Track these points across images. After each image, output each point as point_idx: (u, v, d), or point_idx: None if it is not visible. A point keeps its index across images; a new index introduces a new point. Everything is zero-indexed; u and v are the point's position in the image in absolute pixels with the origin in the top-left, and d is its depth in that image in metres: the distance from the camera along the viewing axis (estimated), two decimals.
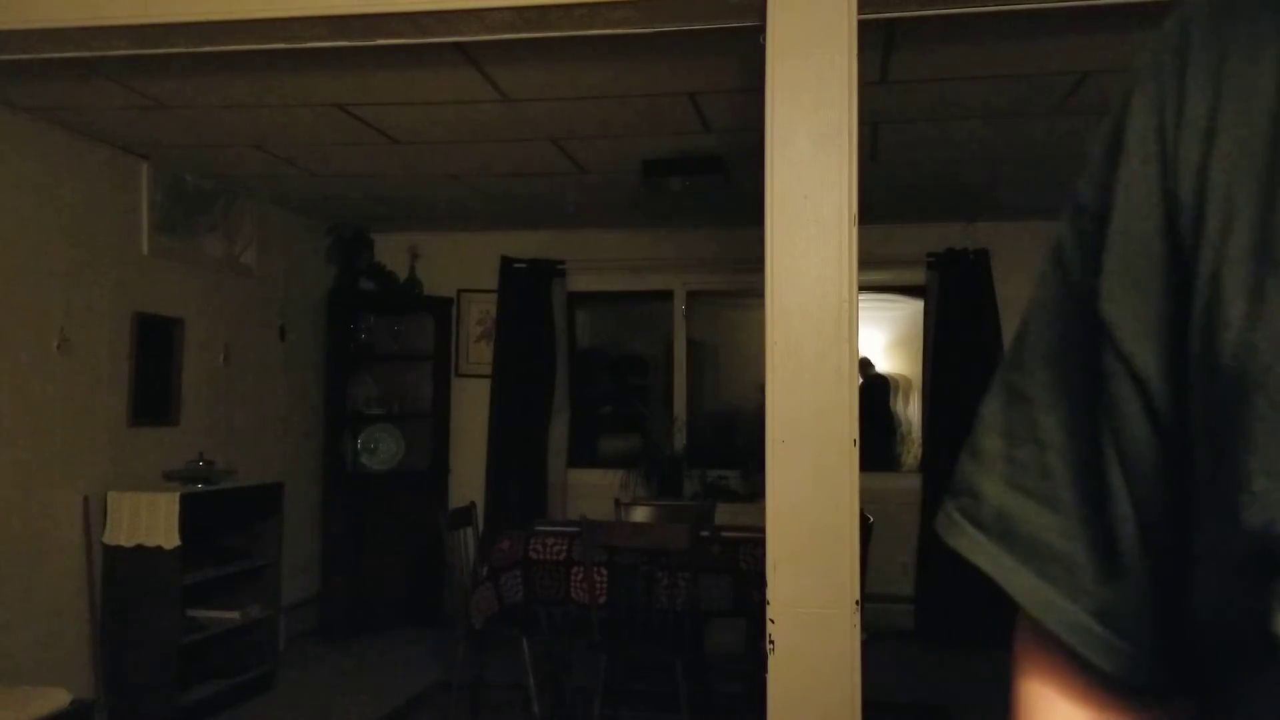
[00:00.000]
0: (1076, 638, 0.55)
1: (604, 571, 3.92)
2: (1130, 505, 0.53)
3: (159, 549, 4.39)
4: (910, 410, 7.68)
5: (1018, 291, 5.93)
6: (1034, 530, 0.56)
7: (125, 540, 4.42)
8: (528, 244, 6.59)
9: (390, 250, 6.57)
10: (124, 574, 4.44)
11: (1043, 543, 0.56)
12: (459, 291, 6.70)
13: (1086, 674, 0.57)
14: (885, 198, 5.41)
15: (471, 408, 6.63)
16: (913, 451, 7.13)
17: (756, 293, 2.48)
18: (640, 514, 4.89)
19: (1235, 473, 0.46)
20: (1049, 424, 0.57)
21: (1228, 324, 0.47)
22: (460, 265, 6.66)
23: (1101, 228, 0.54)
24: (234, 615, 4.89)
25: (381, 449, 6.46)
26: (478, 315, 6.71)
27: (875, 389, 7.59)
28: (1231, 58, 0.51)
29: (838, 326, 2.29)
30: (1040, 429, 0.57)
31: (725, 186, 4.87)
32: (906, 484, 6.27)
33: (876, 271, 5.95)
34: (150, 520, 4.40)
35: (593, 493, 6.22)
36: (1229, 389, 0.47)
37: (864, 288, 2.47)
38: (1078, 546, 0.55)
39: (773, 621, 2.29)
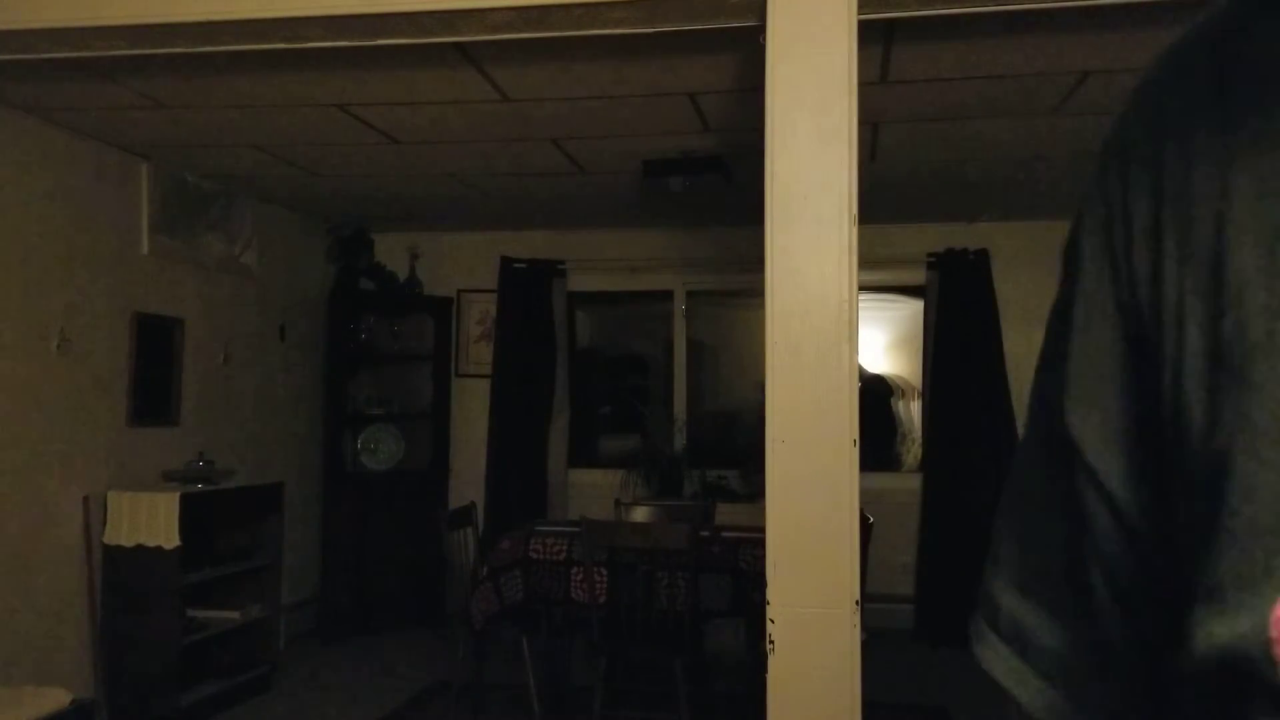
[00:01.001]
0: None
1: (604, 571, 3.92)
2: (1119, 612, 0.53)
3: (159, 549, 4.39)
4: (910, 410, 7.67)
5: (1018, 291, 5.94)
6: (1042, 637, 0.56)
7: (125, 540, 4.42)
8: (528, 244, 6.59)
9: (390, 250, 6.57)
10: (124, 574, 4.44)
11: (1049, 649, 0.56)
12: (459, 291, 6.70)
13: None
14: (885, 198, 5.41)
15: (471, 408, 6.63)
16: (913, 451, 7.13)
17: (756, 293, 2.48)
18: (640, 514, 4.89)
19: (1205, 583, 0.46)
20: (1047, 528, 0.57)
21: (1190, 430, 0.47)
22: (460, 265, 6.67)
23: (1067, 334, 0.55)
24: (234, 615, 4.89)
25: (381, 449, 6.46)
26: (478, 315, 6.71)
27: (869, 393, 7.58)
28: (1170, 160, 0.50)
29: (838, 326, 2.28)
30: (1042, 533, 0.57)
31: (725, 186, 4.86)
32: (906, 484, 6.27)
33: (876, 271, 5.96)
34: (150, 520, 4.40)
35: (593, 493, 6.22)
36: (1197, 495, 0.47)
37: (864, 288, 2.47)
38: (1079, 651, 0.55)
39: (773, 621, 2.28)
